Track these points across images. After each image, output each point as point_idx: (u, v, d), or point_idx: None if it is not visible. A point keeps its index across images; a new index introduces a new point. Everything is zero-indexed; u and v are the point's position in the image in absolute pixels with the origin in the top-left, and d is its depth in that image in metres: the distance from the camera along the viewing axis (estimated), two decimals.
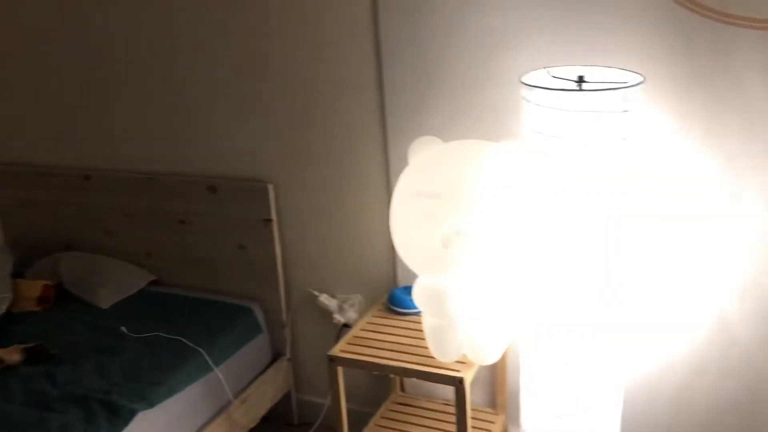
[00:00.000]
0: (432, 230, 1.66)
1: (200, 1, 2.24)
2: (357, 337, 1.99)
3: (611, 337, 1.59)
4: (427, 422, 2.17)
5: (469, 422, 1.79)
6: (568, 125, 1.41)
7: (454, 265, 1.68)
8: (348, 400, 2.02)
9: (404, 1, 1.95)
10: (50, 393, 1.92)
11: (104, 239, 2.63)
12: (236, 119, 2.32)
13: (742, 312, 1.84)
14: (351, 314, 2.31)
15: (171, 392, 1.98)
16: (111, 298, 2.43)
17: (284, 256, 2.40)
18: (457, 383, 1.77)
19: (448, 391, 1.80)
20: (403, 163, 1.81)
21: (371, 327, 2.04)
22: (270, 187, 2.30)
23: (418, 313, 1.97)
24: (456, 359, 1.83)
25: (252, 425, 2.30)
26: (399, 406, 2.26)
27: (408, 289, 2.04)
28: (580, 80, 1.47)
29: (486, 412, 2.19)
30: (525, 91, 1.49)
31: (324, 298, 2.33)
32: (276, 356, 2.47)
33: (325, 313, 2.34)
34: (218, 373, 2.15)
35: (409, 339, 1.96)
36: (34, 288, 2.43)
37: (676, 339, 1.92)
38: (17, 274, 2.55)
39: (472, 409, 2.14)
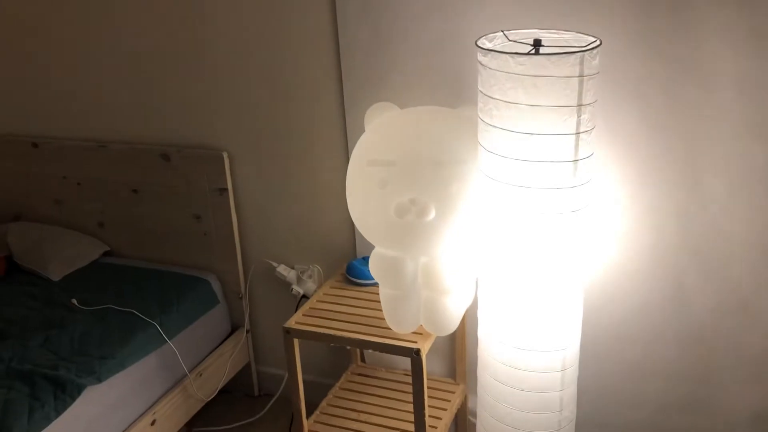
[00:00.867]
0: (388, 200, 1.61)
1: None
2: (314, 308, 1.96)
3: (565, 303, 1.57)
4: (386, 393, 2.15)
5: (426, 392, 1.78)
6: (523, 91, 1.36)
7: (409, 236, 1.64)
8: (306, 372, 2.00)
9: None
10: None
11: (55, 209, 2.54)
12: (189, 86, 2.24)
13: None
14: (310, 285, 2.27)
15: (122, 366, 1.93)
16: (62, 270, 2.36)
17: (241, 227, 2.34)
18: (413, 354, 1.74)
19: (408, 362, 1.78)
20: (361, 130, 1.76)
21: (328, 298, 2.00)
22: (225, 155, 2.23)
23: (376, 284, 1.93)
24: (412, 330, 1.80)
25: (210, 398, 2.26)
26: (358, 377, 2.24)
27: (366, 260, 2.00)
28: (537, 44, 1.42)
29: (446, 382, 2.18)
30: (480, 56, 1.44)
31: (282, 269, 2.29)
32: (234, 328, 2.43)
33: (284, 284, 2.30)
34: (172, 345, 2.10)
35: (366, 310, 1.93)
36: None
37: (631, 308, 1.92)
38: None
39: (432, 380, 2.14)
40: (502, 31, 1.51)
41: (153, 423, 2.03)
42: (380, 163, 1.62)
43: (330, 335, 1.84)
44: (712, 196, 1.76)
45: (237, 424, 2.38)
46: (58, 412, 1.74)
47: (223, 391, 2.35)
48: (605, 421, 2.06)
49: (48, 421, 1.72)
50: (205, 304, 2.29)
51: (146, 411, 2.02)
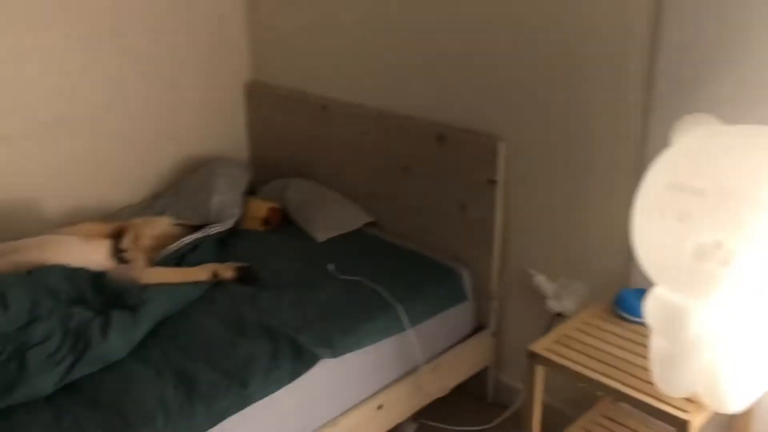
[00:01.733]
0: (685, 236, 1.30)
1: None
2: (568, 336, 1.71)
3: None
4: None
5: None
6: None
7: (705, 285, 1.31)
8: (548, 394, 1.77)
9: None
10: (248, 317, 1.93)
11: (332, 171, 2.61)
12: (481, 72, 2.09)
13: None
14: (568, 304, 2.01)
15: (358, 345, 1.89)
16: (327, 232, 2.41)
17: (505, 224, 2.15)
18: (681, 425, 1.42)
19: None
20: (664, 143, 1.45)
21: (587, 328, 1.74)
22: (501, 145, 2.05)
23: (646, 325, 1.62)
24: (684, 395, 1.47)
25: (441, 394, 2.15)
26: (606, 420, 1.94)
27: (641, 293, 1.69)
28: None
29: None
30: None
31: (541, 279, 2.06)
32: (478, 328, 2.28)
33: (540, 296, 2.08)
34: (412, 333, 2.01)
35: (630, 354, 1.63)
36: (261, 208, 2.49)
37: None
38: (251, 192, 2.65)
39: None
40: None
41: (379, 407, 1.98)
42: (684, 189, 1.31)
43: (580, 374, 1.58)
44: None
45: (466, 428, 2.23)
46: (291, 379, 1.76)
47: (455, 390, 2.21)
48: None
49: (279, 385, 1.74)
50: (452, 298, 2.17)
51: (374, 394, 1.97)
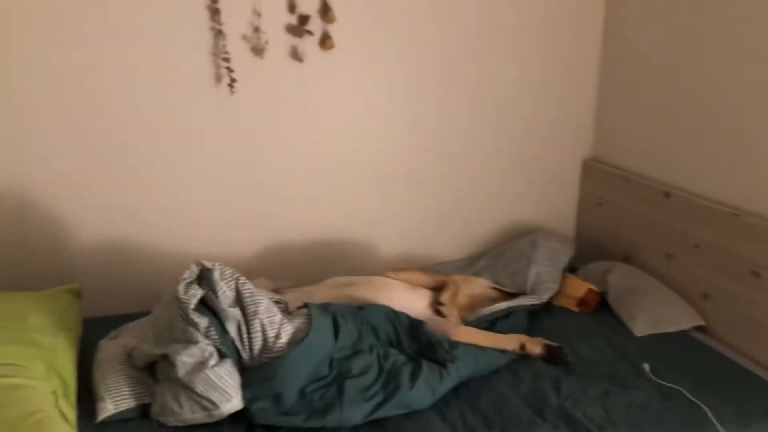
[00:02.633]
0: None
1: None
2: None
3: None
4: None
5: None
6: None
7: None
8: None
9: None
10: (550, 400, 1.86)
11: (663, 263, 2.41)
12: None
13: None
14: None
15: None
16: (648, 327, 2.22)
17: None
18: None
19: None
20: None
21: None
22: None
23: None
24: None
25: None
26: None
27: None
28: None
29: None
30: None
31: None
32: None
33: None
34: None
35: None
36: (579, 288, 2.40)
37: None
38: (571, 269, 2.58)
39: None
40: None
41: None
42: None
43: None
44: None
45: None
46: None
47: None
48: None
49: None
50: None
51: None
